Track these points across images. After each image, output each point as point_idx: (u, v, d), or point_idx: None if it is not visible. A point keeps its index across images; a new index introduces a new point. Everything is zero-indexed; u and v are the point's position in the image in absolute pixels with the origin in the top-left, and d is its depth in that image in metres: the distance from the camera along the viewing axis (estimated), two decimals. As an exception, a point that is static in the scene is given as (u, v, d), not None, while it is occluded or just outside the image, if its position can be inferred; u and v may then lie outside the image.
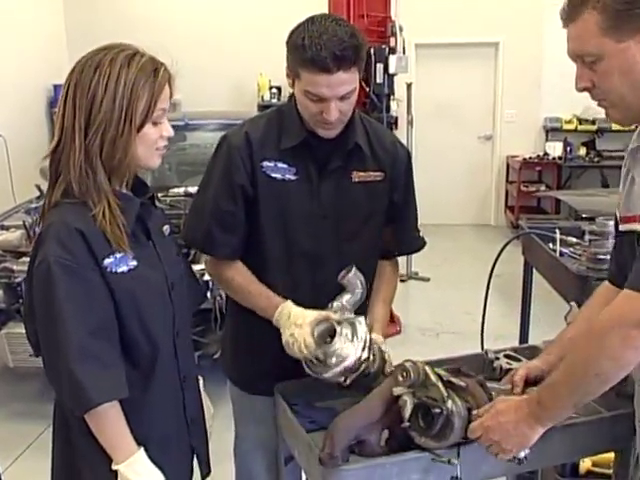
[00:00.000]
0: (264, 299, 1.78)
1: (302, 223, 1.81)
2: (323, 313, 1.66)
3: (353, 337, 1.60)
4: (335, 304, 1.69)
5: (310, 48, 1.60)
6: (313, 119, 1.73)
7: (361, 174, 1.84)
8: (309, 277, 1.83)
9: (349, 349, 1.59)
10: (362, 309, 1.79)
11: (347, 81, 1.65)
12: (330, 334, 1.62)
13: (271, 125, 1.83)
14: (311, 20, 1.66)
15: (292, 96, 1.83)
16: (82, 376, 1.31)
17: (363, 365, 1.62)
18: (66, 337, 1.32)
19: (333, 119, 1.69)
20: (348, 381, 1.62)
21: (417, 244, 2.05)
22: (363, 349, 1.61)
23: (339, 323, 1.62)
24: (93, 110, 1.38)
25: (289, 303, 1.73)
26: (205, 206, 1.83)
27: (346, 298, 1.69)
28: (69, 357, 1.32)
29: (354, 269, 1.69)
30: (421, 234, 2.05)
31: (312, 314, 1.67)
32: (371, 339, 1.66)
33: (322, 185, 1.81)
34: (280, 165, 1.79)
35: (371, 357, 1.64)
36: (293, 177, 1.79)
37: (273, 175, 1.79)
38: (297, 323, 1.66)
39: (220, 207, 1.80)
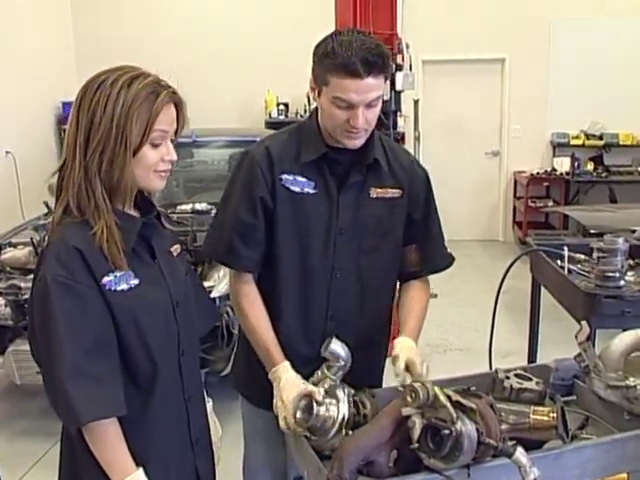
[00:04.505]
0: (263, 350, 1.80)
1: (319, 237, 1.81)
2: (309, 389, 1.64)
3: (336, 404, 1.60)
4: (319, 375, 1.69)
5: (341, 54, 1.63)
6: (339, 128, 1.73)
7: (379, 190, 1.85)
8: (324, 290, 1.83)
9: (332, 414, 1.59)
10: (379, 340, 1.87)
11: (375, 87, 1.67)
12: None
13: (291, 140, 1.85)
14: (338, 32, 1.71)
15: (314, 112, 1.85)
16: (73, 393, 1.31)
17: (352, 419, 1.61)
18: (60, 354, 1.32)
19: (360, 125, 1.70)
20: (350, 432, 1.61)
21: (445, 261, 1.99)
22: (348, 406, 1.61)
23: (319, 404, 1.59)
24: (92, 129, 1.38)
25: (281, 368, 1.74)
26: (226, 219, 1.84)
27: (329, 369, 1.68)
28: (62, 374, 1.31)
29: (334, 340, 1.68)
30: (449, 250, 2.00)
31: (297, 390, 1.65)
32: (354, 399, 1.65)
33: (341, 199, 1.81)
34: (299, 179, 1.80)
35: (353, 411, 1.62)
36: (312, 191, 1.80)
37: (292, 188, 1.80)
38: (282, 398, 1.67)
39: (241, 219, 1.80)
